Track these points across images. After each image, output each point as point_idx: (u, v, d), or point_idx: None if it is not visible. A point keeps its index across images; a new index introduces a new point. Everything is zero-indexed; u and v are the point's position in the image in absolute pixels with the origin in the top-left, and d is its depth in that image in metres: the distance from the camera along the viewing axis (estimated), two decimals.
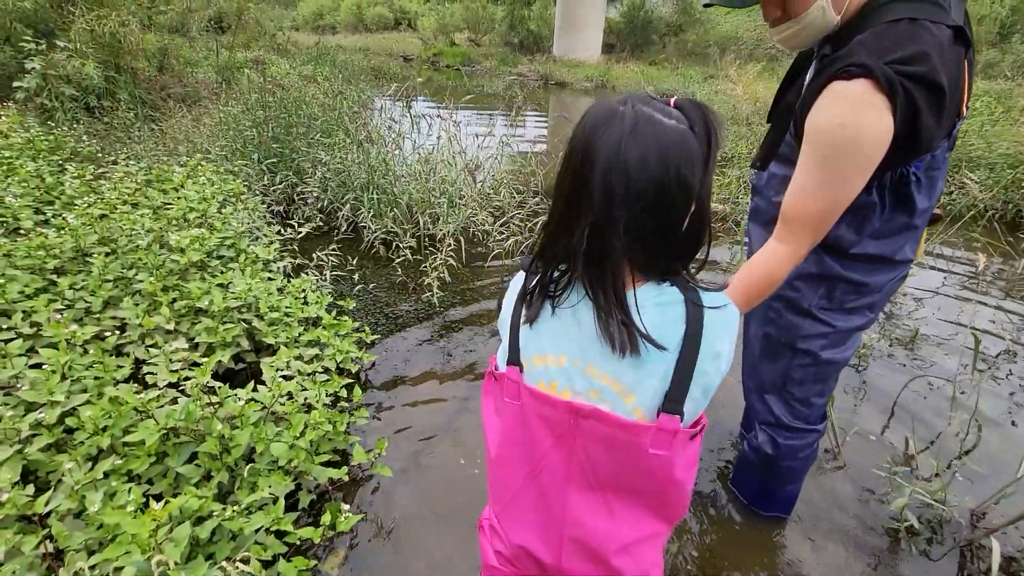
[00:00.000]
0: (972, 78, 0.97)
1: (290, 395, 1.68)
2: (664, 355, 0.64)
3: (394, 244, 3.20)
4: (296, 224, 3.12)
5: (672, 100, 0.63)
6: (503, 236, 3.27)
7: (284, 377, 1.81)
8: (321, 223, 3.50)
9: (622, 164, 0.58)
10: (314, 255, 2.84)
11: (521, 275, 0.74)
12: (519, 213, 3.53)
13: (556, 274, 0.68)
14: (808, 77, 1.06)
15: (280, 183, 3.67)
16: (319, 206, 3.59)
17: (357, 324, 2.22)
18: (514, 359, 0.71)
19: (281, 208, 3.71)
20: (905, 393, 2.16)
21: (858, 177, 0.90)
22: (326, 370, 2.02)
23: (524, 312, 0.70)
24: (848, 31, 0.94)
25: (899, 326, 2.73)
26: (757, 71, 11.14)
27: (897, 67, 0.82)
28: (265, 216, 3.49)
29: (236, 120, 4.09)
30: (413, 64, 21.33)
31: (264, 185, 3.65)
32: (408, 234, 3.26)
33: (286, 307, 2.16)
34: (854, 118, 0.85)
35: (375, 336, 2.29)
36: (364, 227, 3.28)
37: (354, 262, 2.94)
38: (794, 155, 1.03)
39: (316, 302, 2.25)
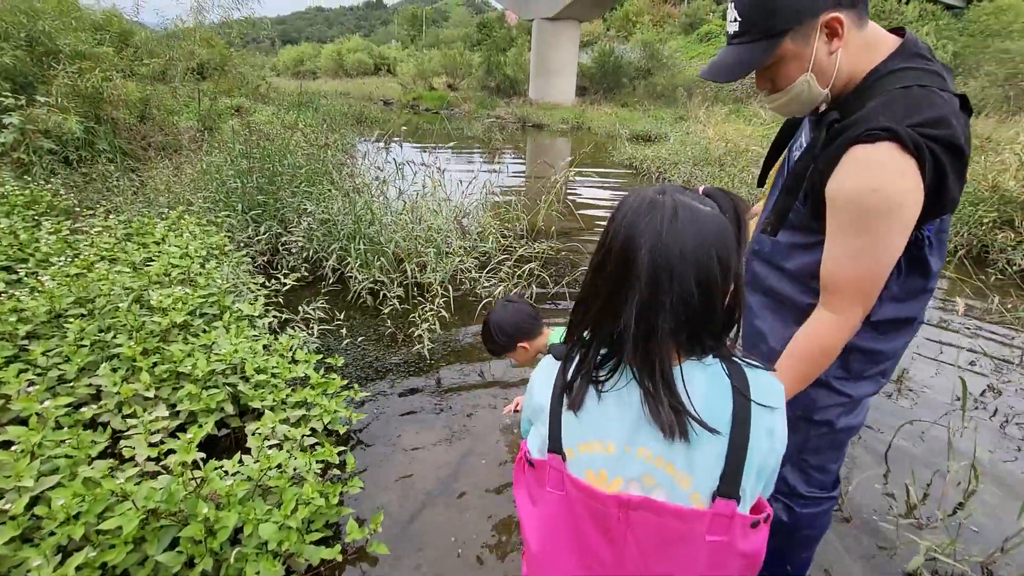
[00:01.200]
0: None
1: (279, 467, 1.60)
2: (717, 436, 0.64)
3: (381, 294, 3.16)
4: (281, 275, 3.07)
5: (702, 189, 0.69)
6: (491, 283, 3.27)
7: (271, 446, 1.72)
8: (307, 273, 3.44)
9: (668, 249, 0.61)
10: (300, 308, 2.78)
11: (551, 360, 0.75)
12: (507, 259, 3.54)
13: (599, 358, 0.68)
14: (807, 141, 1.09)
15: (264, 233, 3.63)
16: (304, 256, 3.55)
17: (345, 382, 2.16)
18: (555, 447, 0.70)
19: (265, 259, 3.66)
20: (899, 438, 2.17)
21: (898, 238, 0.91)
22: (314, 432, 1.94)
23: (566, 399, 0.69)
24: (856, 98, 0.96)
25: None
26: (725, 113, 11.67)
27: (920, 130, 0.85)
28: (249, 268, 3.43)
29: (219, 170, 4.07)
30: (393, 108, 21.81)
31: (248, 236, 3.61)
32: (395, 283, 3.23)
33: (273, 367, 2.09)
34: (887, 182, 0.86)
35: (364, 393, 2.22)
36: (351, 277, 3.24)
37: (341, 315, 2.88)
38: (801, 222, 1.04)
39: (304, 360, 2.18)
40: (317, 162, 4.40)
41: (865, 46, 0.96)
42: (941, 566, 1.55)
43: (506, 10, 26.39)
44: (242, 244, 3.50)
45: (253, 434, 1.65)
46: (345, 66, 43.22)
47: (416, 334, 2.72)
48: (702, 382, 0.65)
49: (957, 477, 1.84)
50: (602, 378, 0.68)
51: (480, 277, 3.30)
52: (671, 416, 0.63)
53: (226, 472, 1.49)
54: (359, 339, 2.81)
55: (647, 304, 0.62)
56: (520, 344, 1.64)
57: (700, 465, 0.64)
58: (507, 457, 2.04)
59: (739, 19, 0.98)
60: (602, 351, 0.68)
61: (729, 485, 0.63)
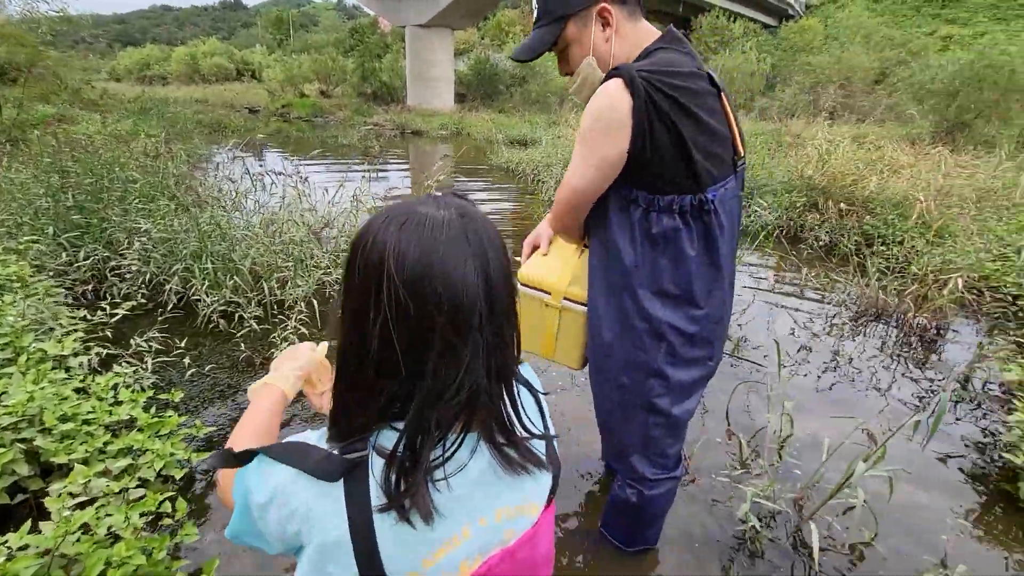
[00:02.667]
0: (738, 121, 1.15)
1: (86, 528, 1.37)
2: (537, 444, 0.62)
3: (236, 315, 2.88)
4: (107, 305, 2.66)
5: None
6: None
7: (81, 505, 1.47)
8: (144, 300, 3.03)
9: (475, 280, 0.49)
10: (132, 341, 2.43)
11: (313, 481, 0.51)
12: None
13: (422, 447, 0.51)
14: None
15: (86, 259, 3.13)
16: (141, 281, 3.13)
17: (183, 419, 1.92)
18: None
19: (90, 288, 3.16)
20: (736, 399, 2.45)
21: (605, 166, 1.04)
22: (145, 483, 1.70)
23: (393, 518, 0.51)
24: None
25: (727, 337, 3.12)
26: None
27: (644, 73, 0.96)
28: (66, 299, 2.94)
29: (23, 188, 3.45)
30: (260, 116, 20.23)
31: (64, 263, 3.09)
32: (253, 303, 2.96)
33: (87, 413, 1.80)
34: (601, 108, 1.00)
35: (210, 428, 1.99)
36: (198, 300, 2.91)
37: (183, 343, 2.57)
38: None
39: (131, 400, 1.91)
40: (155, 175, 3.91)
41: (636, 36, 1.10)
42: (765, 509, 1.76)
43: (379, 16, 25.80)
44: (53, 274, 2.99)
45: (54, 498, 1.40)
46: (201, 71, 39.20)
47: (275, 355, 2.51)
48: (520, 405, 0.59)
49: (779, 429, 2.11)
50: (436, 464, 0.52)
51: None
52: (518, 453, 0.57)
53: (8, 548, 1.24)
54: (207, 368, 2.53)
55: (474, 353, 0.50)
56: None
57: (542, 480, 0.62)
58: None
59: (536, 6, 1.13)
60: (435, 434, 0.51)
61: (556, 481, 0.63)
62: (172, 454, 1.72)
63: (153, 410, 1.91)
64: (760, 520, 1.75)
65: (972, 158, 6.21)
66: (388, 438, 0.52)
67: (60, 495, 1.38)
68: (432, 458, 0.51)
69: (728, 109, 1.10)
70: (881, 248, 4.18)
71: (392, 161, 9.93)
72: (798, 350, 3.00)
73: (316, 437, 0.56)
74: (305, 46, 39.74)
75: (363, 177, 4.58)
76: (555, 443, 0.67)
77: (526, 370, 0.67)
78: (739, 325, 3.27)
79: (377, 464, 0.51)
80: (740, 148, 1.13)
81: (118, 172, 3.78)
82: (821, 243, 4.61)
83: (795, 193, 5.13)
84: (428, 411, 0.50)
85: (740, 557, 1.66)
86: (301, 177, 4.01)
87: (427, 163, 9.50)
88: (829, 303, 3.63)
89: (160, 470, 1.73)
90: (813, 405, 2.49)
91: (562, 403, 2.41)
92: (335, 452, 0.53)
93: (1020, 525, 1.84)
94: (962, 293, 3.13)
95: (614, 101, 0.97)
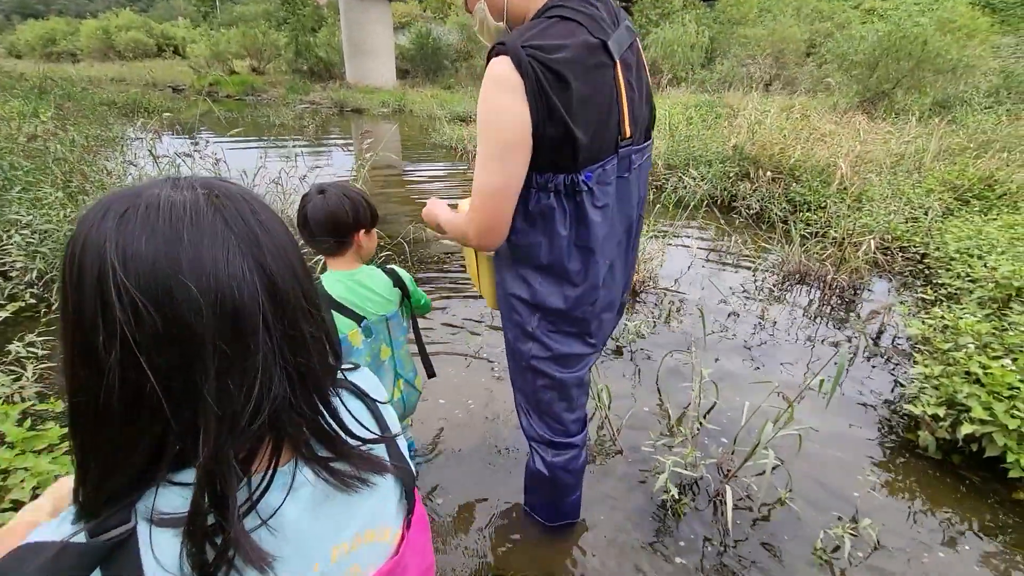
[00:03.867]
0: (634, 101, 1.06)
1: None
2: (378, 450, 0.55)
3: None
4: None
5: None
6: None
7: None
8: (33, 300, 2.73)
9: (243, 269, 0.40)
10: (10, 348, 2.18)
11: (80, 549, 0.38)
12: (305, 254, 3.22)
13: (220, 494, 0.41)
14: None
15: None
16: (27, 279, 2.81)
17: (64, 431, 1.74)
18: None
19: None
20: (666, 367, 2.48)
21: (509, 155, 0.95)
22: (16, 506, 1.52)
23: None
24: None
25: (659, 304, 3.16)
26: None
27: (529, 49, 0.89)
28: None
29: None
30: (186, 95, 18.82)
31: None
32: None
33: None
34: (491, 94, 0.92)
35: None
36: None
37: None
38: None
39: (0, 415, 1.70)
40: (41, 159, 3.52)
41: None
42: (687, 477, 1.78)
43: None
44: None
45: None
46: (116, 47, 35.94)
47: None
48: (344, 410, 0.51)
49: (704, 396, 2.14)
50: (243, 511, 0.42)
51: None
52: (351, 464, 0.49)
53: None
54: None
55: (283, 345, 0.43)
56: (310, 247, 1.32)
57: (389, 494, 0.55)
58: None
59: None
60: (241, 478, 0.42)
61: (409, 492, 0.57)
62: (45, 472, 1.55)
63: (28, 424, 1.71)
64: (681, 488, 1.77)
65: (889, 125, 6.53)
66: (167, 498, 0.41)
67: None
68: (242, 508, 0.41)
69: (621, 83, 1.02)
70: (806, 214, 4.34)
71: (330, 140, 9.47)
72: (727, 316, 3.07)
73: (54, 526, 0.41)
74: (233, 19, 37.12)
75: (286, 159, 4.32)
76: (406, 448, 0.60)
77: (362, 375, 0.59)
78: (672, 292, 3.32)
79: (159, 536, 0.39)
80: (626, 129, 1.05)
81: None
82: (752, 211, 4.74)
83: (728, 163, 5.24)
84: (226, 444, 0.39)
85: (663, 526, 1.67)
86: (215, 159, 3.72)
87: (359, 141, 9.12)
88: (757, 269, 3.74)
89: (35, 488, 1.55)
90: (738, 369, 2.55)
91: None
92: (75, 540, 0.39)
93: (922, 471, 1.96)
94: (875, 254, 3.28)
95: (504, 84, 0.90)
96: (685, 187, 4.88)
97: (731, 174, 5.17)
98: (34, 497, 1.60)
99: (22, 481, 1.54)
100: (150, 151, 3.53)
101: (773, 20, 14.36)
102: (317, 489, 0.48)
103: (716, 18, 16.26)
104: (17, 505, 1.54)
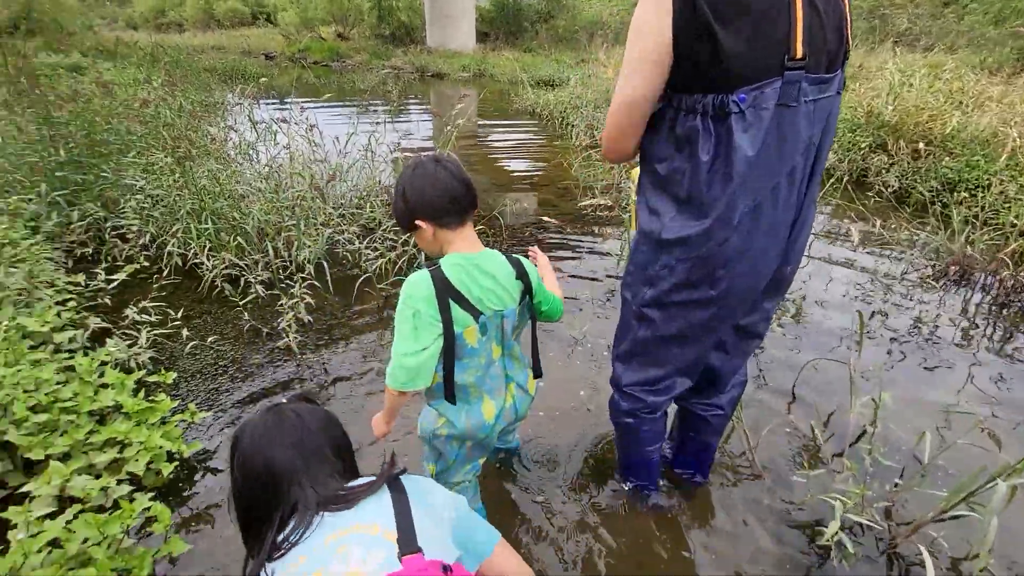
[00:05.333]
0: (814, 20, 0.91)
1: (56, 544, 1.18)
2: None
3: (243, 280, 2.65)
4: (106, 270, 2.46)
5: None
6: (376, 254, 2.84)
7: (52, 515, 1.28)
8: (147, 263, 2.83)
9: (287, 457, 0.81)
10: (127, 312, 2.22)
11: None
12: (393, 224, 3.11)
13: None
14: None
15: (82, 219, 2.92)
16: (142, 242, 2.91)
17: (177, 403, 1.72)
18: None
19: (90, 250, 2.97)
20: (803, 380, 2.13)
21: (642, 68, 0.96)
22: (133, 479, 1.51)
23: None
24: None
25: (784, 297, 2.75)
26: (622, 53, 11.48)
27: None
28: (63, 263, 2.76)
29: (14, 143, 3.22)
30: (277, 62, 19.59)
31: (59, 223, 2.89)
32: (259, 266, 2.72)
33: (68, 399, 1.60)
34: (641, 4, 0.93)
35: (204, 413, 1.79)
36: (200, 264, 2.69)
37: (182, 313, 2.36)
38: None
39: (118, 382, 1.71)
40: (153, 124, 3.63)
41: None
42: (846, 519, 1.47)
43: None
44: (51, 236, 2.80)
45: (20, 511, 1.20)
46: (217, 16, 38.08)
47: (282, 326, 2.28)
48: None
49: (861, 415, 1.79)
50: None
51: (361, 249, 2.86)
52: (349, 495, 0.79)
53: None
54: (211, 339, 2.32)
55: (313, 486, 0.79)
56: (418, 222, 1.10)
57: (383, 499, 0.80)
58: None
59: None
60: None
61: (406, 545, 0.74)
62: (157, 447, 1.52)
63: (142, 394, 1.71)
64: (849, 533, 1.47)
65: None
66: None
67: (21, 510, 1.18)
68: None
69: (801, 6, 0.88)
70: (964, 195, 3.63)
71: (412, 105, 9.41)
72: (871, 316, 2.61)
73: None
74: None
75: (376, 124, 4.21)
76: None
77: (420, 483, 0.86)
78: (802, 282, 2.89)
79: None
80: (797, 47, 0.89)
81: (114, 124, 3.51)
82: (891, 189, 4.07)
83: (859, 132, 4.52)
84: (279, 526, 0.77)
85: (820, 573, 1.39)
86: (309, 125, 3.67)
87: (449, 107, 8.95)
88: (902, 259, 3.19)
89: (148, 464, 1.54)
90: (893, 384, 2.14)
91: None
92: None
93: None
94: None
95: None
96: None
97: (863, 144, 4.47)
98: (152, 472, 1.59)
99: (137, 454, 1.52)
100: (249, 118, 3.53)
101: None
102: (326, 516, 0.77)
103: None
104: (134, 478, 1.54)
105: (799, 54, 0.89)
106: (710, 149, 0.97)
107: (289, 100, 7.92)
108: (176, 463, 1.57)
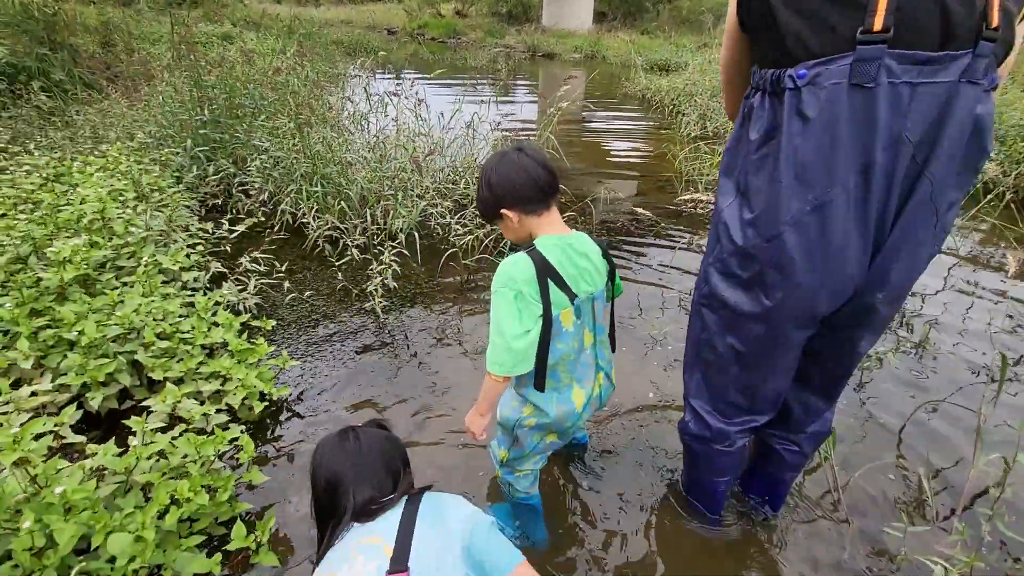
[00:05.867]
0: None
1: (162, 454, 1.36)
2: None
3: (341, 242, 2.84)
4: (227, 220, 2.76)
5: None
6: (465, 230, 2.90)
7: (163, 429, 1.47)
8: (263, 219, 3.12)
9: (346, 473, 0.94)
10: (241, 260, 2.47)
11: None
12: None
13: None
14: None
15: (215, 174, 3.28)
16: (261, 199, 3.21)
17: (271, 349, 1.89)
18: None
19: (220, 201, 3.34)
20: (918, 422, 1.86)
21: (727, 35, 0.97)
22: (230, 410, 1.69)
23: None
24: None
25: (904, 324, 2.41)
26: None
27: None
28: (197, 211, 3.12)
29: (171, 102, 3.67)
30: (397, 37, 20.51)
31: (197, 175, 3.26)
32: (357, 230, 2.90)
33: (186, 332, 1.82)
34: None
35: (294, 362, 1.94)
36: (307, 223, 2.91)
37: (285, 267, 2.58)
38: None
39: (226, 323, 1.91)
40: (282, 89, 3.96)
41: None
42: None
43: None
44: (187, 186, 3.17)
45: (137, 422, 1.39)
46: None
47: (369, 289, 2.41)
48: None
49: (985, 473, 1.53)
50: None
51: (451, 224, 2.94)
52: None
53: (87, 470, 1.24)
54: (307, 294, 2.52)
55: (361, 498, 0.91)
56: (504, 211, 1.12)
57: (391, 518, 0.88)
58: (470, 446, 1.78)
59: None
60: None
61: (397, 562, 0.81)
62: (252, 387, 1.68)
63: (244, 336, 1.89)
64: None
65: None
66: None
67: (138, 421, 1.37)
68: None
69: None
70: None
71: (520, 85, 9.41)
72: (1016, 362, 2.21)
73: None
74: None
75: (481, 103, 4.26)
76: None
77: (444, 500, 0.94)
78: (937, 307, 2.51)
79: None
80: (878, 16, 0.72)
81: (251, 89, 3.87)
82: None
83: None
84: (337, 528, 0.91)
85: None
86: (417, 99, 3.80)
87: (555, 89, 8.86)
88: None
89: (243, 400, 1.71)
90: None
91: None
92: None
93: None
94: None
95: None
96: None
97: None
98: (246, 407, 1.77)
99: (235, 389, 1.69)
100: (364, 89, 3.73)
101: None
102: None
103: None
104: (231, 409, 1.72)
105: (878, 26, 0.72)
106: (761, 128, 0.87)
107: (403, 74, 8.26)
108: (266, 403, 1.74)
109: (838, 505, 1.53)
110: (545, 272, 1.05)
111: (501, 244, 2.93)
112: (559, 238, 1.11)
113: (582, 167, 4.67)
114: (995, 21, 0.73)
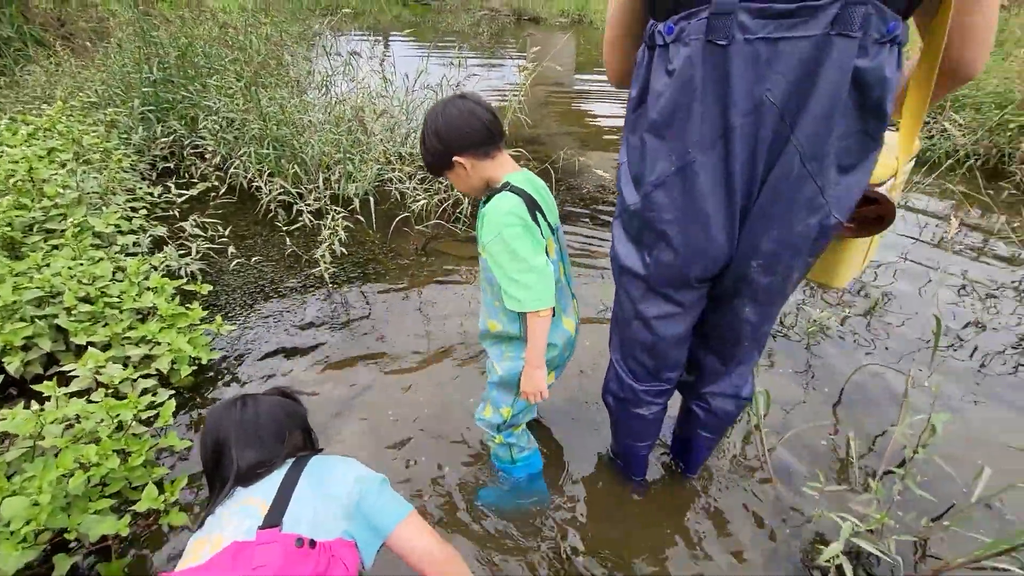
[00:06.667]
0: None
1: (78, 418, 1.33)
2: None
3: (295, 208, 2.76)
4: (183, 185, 2.66)
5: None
6: (427, 195, 2.83)
7: (76, 393, 1.44)
8: (218, 183, 3.02)
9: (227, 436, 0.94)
10: (186, 224, 2.40)
11: None
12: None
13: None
14: None
15: (165, 135, 3.16)
16: (215, 162, 3.11)
17: (205, 313, 1.84)
18: None
19: (172, 164, 3.22)
20: (859, 378, 1.87)
21: None
22: (160, 376, 1.66)
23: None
24: None
25: (858, 293, 2.41)
26: None
27: None
28: (147, 175, 3.02)
29: (118, 61, 3.50)
30: None
31: (145, 137, 3.14)
32: (312, 195, 2.81)
33: (114, 296, 1.76)
34: None
35: (230, 326, 1.90)
36: (258, 187, 2.82)
37: (227, 232, 2.50)
38: None
39: (159, 288, 1.85)
40: (240, 49, 3.79)
41: None
42: (857, 547, 1.29)
43: None
44: (135, 148, 3.05)
45: (49, 386, 1.35)
46: None
47: (319, 255, 2.36)
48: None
49: (909, 434, 1.54)
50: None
51: (409, 190, 2.86)
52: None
53: None
54: (254, 260, 2.46)
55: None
56: (456, 159, 1.08)
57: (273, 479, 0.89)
58: (420, 419, 1.76)
59: None
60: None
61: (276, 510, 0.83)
62: (180, 351, 1.65)
63: (177, 301, 1.84)
64: (852, 558, 1.30)
65: None
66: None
67: (50, 385, 1.33)
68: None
69: None
70: None
71: (507, 50, 9.13)
72: (964, 326, 2.23)
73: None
74: None
75: (451, 64, 4.11)
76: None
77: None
78: (878, 281, 2.51)
79: None
80: None
81: (205, 47, 3.70)
82: None
83: (1011, 108, 3.75)
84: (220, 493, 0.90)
85: None
86: (380, 60, 3.66)
87: (539, 53, 8.57)
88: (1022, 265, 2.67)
89: (173, 363, 1.67)
90: (968, 407, 1.83)
91: None
92: None
93: None
94: None
95: None
96: (933, 138, 3.64)
97: (1012, 126, 3.72)
98: (174, 371, 1.73)
99: (164, 354, 1.66)
100: (324, 47, 3.58)
101: None
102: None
103: None
104: (163, 375, 1.69)
105: None
106: (638, 85, 0.84)
107: (381, 36, 7.96)
108: (195, 368, 1.70)
109: (764, 467, 1.55)
110: (532, 205, 1.06)
111: (459, 209, 2.87)
112: (523, 174, 1.12)
113: (554, 129, 4.57)
114: None
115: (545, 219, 1.10)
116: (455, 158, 1.07)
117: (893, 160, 0.91)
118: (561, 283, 1.20)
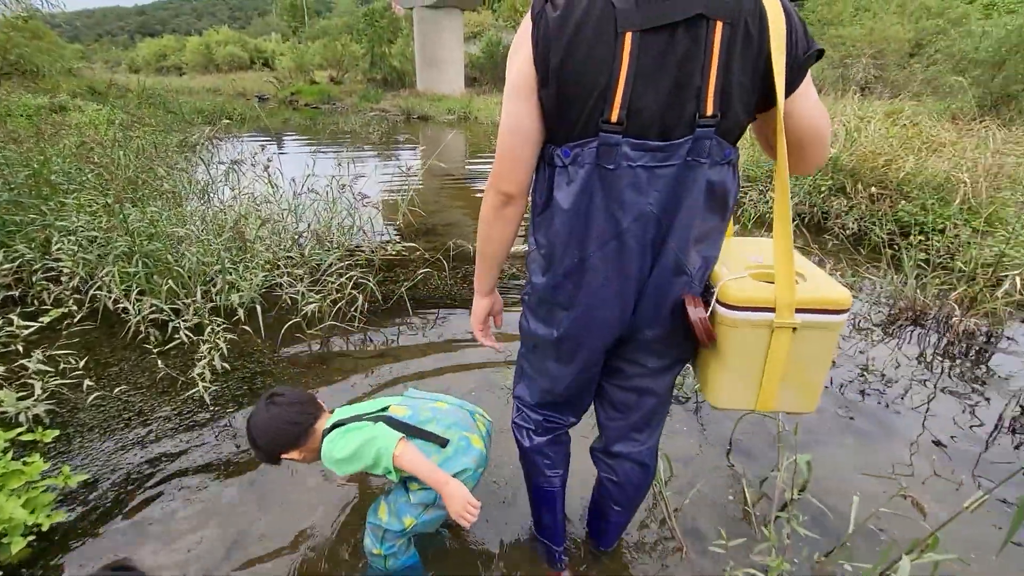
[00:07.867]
0: (641, 84, 0.83)
1: None
2: None
3: (170, 326, 2.54)
4: (29, 315, 2.35)
5: None
6: (319, 297, 2.75)
7: None
8: (75, 306, 2.71)
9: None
10: (31, 358, 2.10)
11: None
12: (342, 267, 3.03)
13: None
14: None
15: (11, 261, 2.83)
16: (74, 284, 2.81)
17: (47, 465, 1.58)
18: None
19: (17, 293, 2.87)
20: (740, 429, 2.02)
21: (511, 103, 0.92)
22: None
23: None
24: None
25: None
26: None
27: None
28: None
29: None
30: (269, 104, 20.08)
31: None
32: (191, 310, 2.62)
33: None
34: (513, 43, 0.91)
35: (83, 475, 1.64)
36: (127, 308, 2.58)
37: (82, 364, 2.24)
38: None
39: None
40: (108, 166, 3.59)
41: None
42: None
43: None
44: None
45: None
46: (216, 60, 39.38)
47: (196, 373, 2.16)
48: None
49: (787, 479, 1.67)
50: None
51: (302, 289, 2.77)
52: None
53: None
54: (119, 390, 2.19)
55: None
56: (284, 456, 1.24)
57: None
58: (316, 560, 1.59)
59: None
60: None
61: None
62: (11, 519, 1.38)
63: (9, 456, 1.57)
64: None
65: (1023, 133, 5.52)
66: None
67: None
68: None
69: (625, 51, 0.81)
70: (919, 239, 3.63)
71: (398, 149, 9.54)
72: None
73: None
74: (320, 32, 39.41)
75: (338, 164, 4.21)
76: None
77: None
78: None
79: None
80: (613, 111, 0.84)
81: (64, 165, 3.47)
82: (849, 232, 4.08)
83: (820, 176, 4.58)
84: None
85: None
86: (265, 164, 3.66)
87: (430, 150, 9.07)
88: (856, 302, 3.14)
89: (1, 538, 1.39)
90: (835, 436, 2.04)
91: None
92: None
93: None
94: (1021, 294, 2.61)
95: (523, 24, 0.89)
96: (767, 201, 4.30)
97: (824, 188, 4.52)
98: (3, 545, 1.44)
99: None
100: (201, 159, 3.51)
101: (872, 19, 13.00)
102: None
103: (805, 19, 15.02)
104: None
105: (614, 118, 0.85)
106: (542, 193, 0.99)
107: (254, 134, 7.99)
108: (33, 535, 1.43)
109: (673, 532, 1.58)
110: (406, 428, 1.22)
111: (353, 308, 2.82)
112: (366, 404, 1.30)
113: (448, 219, 4.75)
114: (710, 110, 0.84)
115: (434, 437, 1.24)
116: (282, 456, 1.24)
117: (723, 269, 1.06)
118: (459, 411, 1.34)
